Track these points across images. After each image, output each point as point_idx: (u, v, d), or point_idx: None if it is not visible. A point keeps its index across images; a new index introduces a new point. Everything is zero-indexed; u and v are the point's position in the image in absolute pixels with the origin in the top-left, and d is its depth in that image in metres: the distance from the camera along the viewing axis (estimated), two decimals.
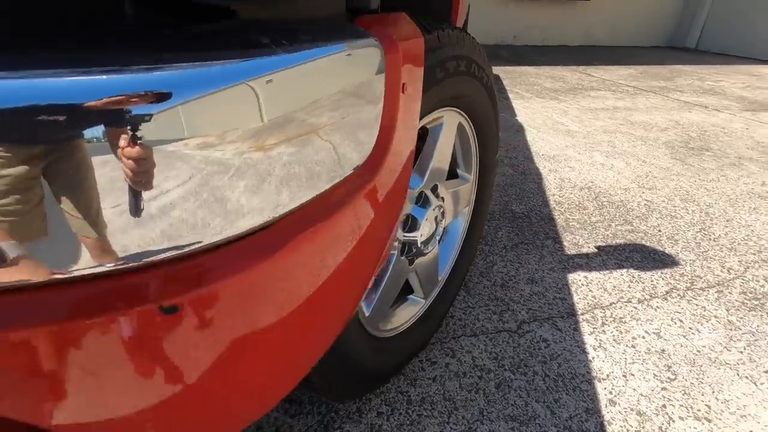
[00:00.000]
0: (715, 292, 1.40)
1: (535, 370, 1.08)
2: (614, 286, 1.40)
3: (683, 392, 1.04)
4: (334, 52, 0.33)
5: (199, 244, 0.27)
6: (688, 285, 1.43)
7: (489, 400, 1.00)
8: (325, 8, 0.38)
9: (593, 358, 1.13)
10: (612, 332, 1.21)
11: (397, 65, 0.42)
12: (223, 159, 0.27)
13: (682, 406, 1.00)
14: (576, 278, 1.44)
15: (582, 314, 1.28)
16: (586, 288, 1.39)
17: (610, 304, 1.32)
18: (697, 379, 1.08)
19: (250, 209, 0.29)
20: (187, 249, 0.27)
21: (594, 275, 1.46)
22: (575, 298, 1.35)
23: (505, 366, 1.09)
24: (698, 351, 1.16)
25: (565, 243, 1.64)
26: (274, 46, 0.28)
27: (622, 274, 1.46)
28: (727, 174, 2.38)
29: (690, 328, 1.24)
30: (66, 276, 0.24)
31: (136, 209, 0.24)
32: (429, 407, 0.98)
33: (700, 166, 2.47)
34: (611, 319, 1.27)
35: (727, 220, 1.86)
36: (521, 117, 3.24)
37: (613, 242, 1.66)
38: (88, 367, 0.25)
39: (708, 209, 1.95)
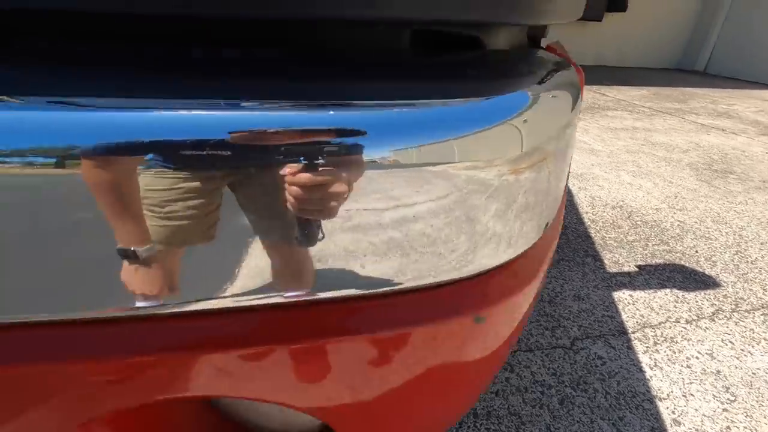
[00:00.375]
0: (761, 314, 1.41)
1: (595, 387, 1.09)
2: (660, 306, 1.41)
3: (745, 414, 1.04)
4: (564, 80, 0.35)
5: (498, 264, 0.29)
6: (733, 307, 1.44)
7: (554, 416, 1.00)
8: (516, 38, 0.40)
9: (651, 377, 1.13)
10: (665, 351, 1.22)
11: (582, 89, 0.44)
12: (497, 189, 0.29)
13: (746, 428, 1.01)
14: (621, 296, 1.45)
15: (633, 332, 1.29)
16: (632, 306, 1.40)
17: (659, 324, 1.33)
18: (757, 401, 1.08)
19: (518, 239, 0.31)
20: (494, 267, 0.29)
21: (639, 294, 1.47)
22: (624, 317, 1.36)
23: (565, 382, 1.10)
24: (754, 373, 1.17)
25: (605, 261, 1.65)
26: (537, 75, 0.30)
27: (666, 294, 1.48)
28: (755, 197, 2.40)
29: (742, 350, 1.25)
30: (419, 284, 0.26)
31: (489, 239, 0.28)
32: (496, 422, 0.98)
33: (726, 188, 2.50)
34: (662, 338, 1.27)
35: (761, 243, 1.88)
36: None
37: (653, 261, 1.67)
38: (409, 366, 0.27)
39: (741, 232, 1.97)
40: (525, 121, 0.27)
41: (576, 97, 0.36)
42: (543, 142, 0.30)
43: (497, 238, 0.29)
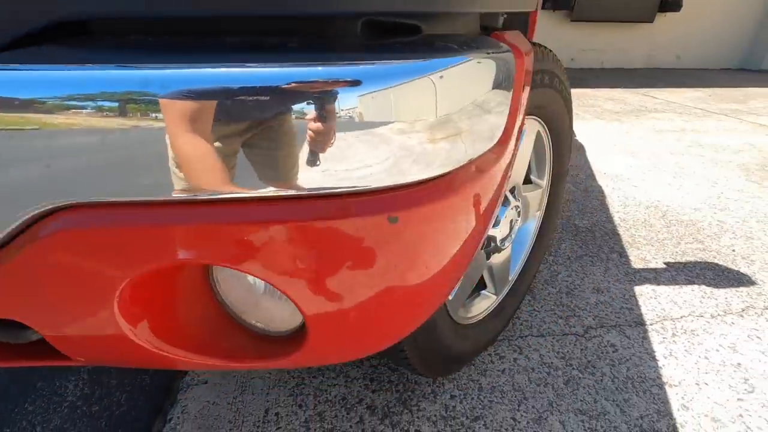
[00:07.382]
0: None
1: (603, 371, 1.11)
2: (685, 301, 1.40)
3: (762, 405, 1.02)
4: (489, 56, 0.44)
5: (412, 180, 0.39)
6: (767, 304, 1.39)
7: (558, 394, 1.04)
8: (467, 26, 0.49)
9: (663, 365, 1.14)
10: (683, 343, 1.22)
11: (522, 69, 0.53)
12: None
13: (760, 417, 0.99)
14: (644, 290, 1.44)
15: (651, 324, 1.29)
16: (654, 300, 1.40)
17: (681, 317, 1.32)
18: None
19: (442, 162, 0.41)
20: (406, 182, 0.39)
21: (663, 289, 1.45)
22: (643, 309, 1.36)
23: (573, 365, 1.13)
24: None
25: (631, 257, 1.64)
26: (460, 50, 0.41)
27: (693, 290, 1.45)
28: None
29: None
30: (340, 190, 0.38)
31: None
32: (499, 395, 1.04)
33: None
34: (682, 330, 1.26)
35: None
36: (582, 137, 3.23)
37: (683, 259, 1.64)
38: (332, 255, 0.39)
39: None
40: (441, 77, 0.38)
41: (499, 64, 0.46)
42: (456, 87, 0.40)
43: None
